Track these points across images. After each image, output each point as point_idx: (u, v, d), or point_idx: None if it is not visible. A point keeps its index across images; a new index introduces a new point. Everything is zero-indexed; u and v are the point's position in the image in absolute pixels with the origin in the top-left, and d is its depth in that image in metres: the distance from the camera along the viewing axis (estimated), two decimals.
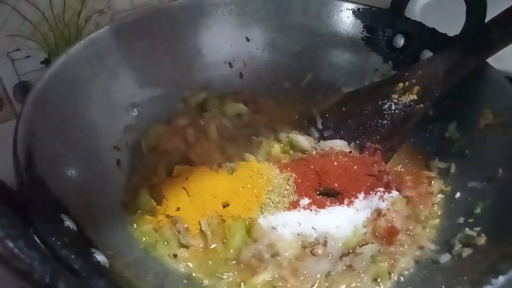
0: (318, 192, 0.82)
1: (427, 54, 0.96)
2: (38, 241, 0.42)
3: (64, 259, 0.44)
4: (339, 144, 0.90)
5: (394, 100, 0.89)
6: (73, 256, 0.45)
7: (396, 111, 0.89)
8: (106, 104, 0.83)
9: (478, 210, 0.75)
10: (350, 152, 0.88)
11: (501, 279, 0.53)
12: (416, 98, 0.88)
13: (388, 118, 0.89)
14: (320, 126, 0.95)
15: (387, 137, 0.89)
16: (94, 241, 0.60)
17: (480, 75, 0.86)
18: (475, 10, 0.86)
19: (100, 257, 0.53)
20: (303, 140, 0.90)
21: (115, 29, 0.84)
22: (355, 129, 0.92)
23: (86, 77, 0.79)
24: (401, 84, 0.89)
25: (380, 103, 0.91)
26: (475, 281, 0.58)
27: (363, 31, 1.04)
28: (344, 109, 0.95)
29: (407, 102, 0.88)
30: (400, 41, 1.00)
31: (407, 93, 0.89)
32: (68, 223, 0.55)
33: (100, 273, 0.49)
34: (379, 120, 0.90)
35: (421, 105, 0.87)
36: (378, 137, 0.89)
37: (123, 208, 0.76)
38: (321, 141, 0.92)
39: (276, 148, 0.89)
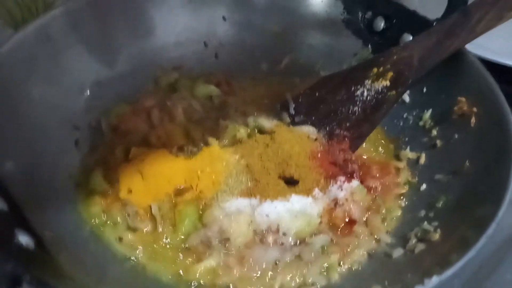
0: (278, 178, 0.79)
1: (407, 37, 0.92)
2: None
3: None
4: (307, 130, 0.87)
5: (367, 86, 0.86)
6: None
7: (368, 97, 0.85)
8: (66, 83, 0.81)
9: (439, 204, 0.72)
10: (316, 139, 0.84)
11: (435, 279, 0.50)
12: (388, 84, 0.84)
13: (360, 105, 0.86)
14: (292, 111, 0.92)
15: (357, 124, 0.86)
16: (30, 220, 0.59)
17: (457, 61, 0.82)
18: None
19: (24, 239, 0.52)
20: (269, 125, 0.87)
21: (71, 8, 0.81)
22: (326, 115, 0.89)
23: (43, 55, 0.77)
24: (375, 70, 0.86)
25: (353, 88, 0.87)
26: (415, 277, 0.55)
27: (343, 12, 1.00)
28: (317, 94, 0.92)
29: (379, 88, 0.84)
30: (380, 24, 0.96)
31: (380, 79, 0.85)
32: None
33: (14, 257, 0.48)
34: (350, 107, 0.87)
35: (393, 92, 0.83)
36: (348, 124, 0.86)
37: (76, 189, 0.75)
38: (290, 126, 0.89)
39: (242, 132, 0.86)
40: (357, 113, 0.86)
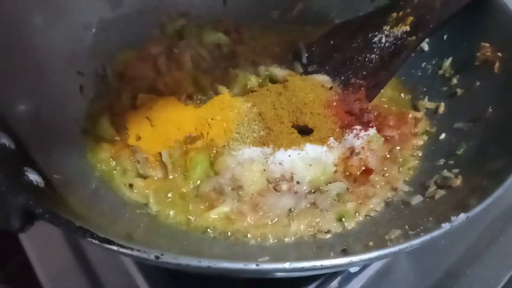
0: (292, 127, 0.76)
1: None
2: None
3: None
4: (321, 79, 0.84)
5: (386, 32, 0.81)
6: None
7: (387, 44, 0.81)
8: (70, 22, 0.77)
9: (460, 152, 0.70)
10: (331, 88, 0.81)
11: (462, 216, 0.48)
12: (408, 29, 0.79)
13: (377, 52, 0.82)
14: (304, 60, 0.89)
15: (374, 72, 0.82)
16: (38, 162, 0.57)
17: (481, 5, 0.77)
18: None
19: (33, 176, 0.50)
20: (281, 74, 0.83)
21: None
22: (341, 63, 0.85)
23: None
24: (394, 15, 0.81)
25: (370, 35, 0.83)
26: (438, 220, 0.53)
27: None
28: (332, 42, 0.88)
29: (399, 34, 0.80)
30: None
31: (400, 24, 0.80)
32: (4, 140, 0.52)
33: (25, 190, 0.46)
34: (367, 54, 0.83)
35: (414, 37, 0.79)
36: (364, 73, 0.82)
37: (83, 135, 0.73)
38: (303, 76, 0.85)
39: (253, 81, 0.83)
40: (374, 60, 0.82)
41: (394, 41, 0.81)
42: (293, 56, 0.90)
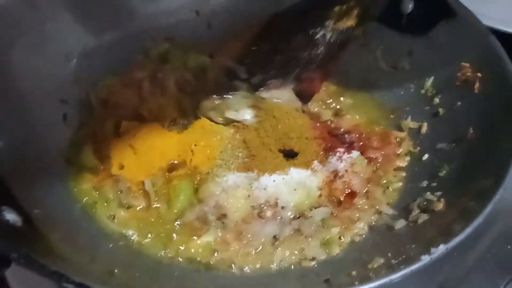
0: (276, 152, 0.76)
1: (408, 2, 0.86)
2: None
3: None
4: (280, 95, 0.81)
5: (329, 28, 0.76)
6: None
7: (331, 39, 0.76)
8: (52, 52, 0.76)
9: (442, 173, 0.70)
10: (304, 111, 0.80)
11: (441, 247, 0.48)
12: (354, 23, 0.75)
13: (322, 48, 0.77)
14: (244, 75, 0.82)
15: (324, 64, 0.79)
16: (18, 197, 0.57)
17: (461, 27, 0.78)
18: None
19: (10, 216, 0.50)
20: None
21: None
22: (285, 64, 0.80)
23: (28, 21, 0.73)
24: (337, 8, 0.75)
25: (311, 32, 0.77)
26: (420, 247, 0.53)
27: None
28: (267, 47, 0.82)
29: (344, 29, 0.76)
30: None
31: (344, 19, 0.75)
32: None
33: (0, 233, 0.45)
34: (312, 51, 0.78)
35: (360, 29, 0.77)
36: (313, 66, 0.79)
37: (66, 165, 0.72)
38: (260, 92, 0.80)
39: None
40: (320, 55, 0.78)
41: (339, 36, 0.77)
42: (228, 76, 0.84)
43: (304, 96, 0.83)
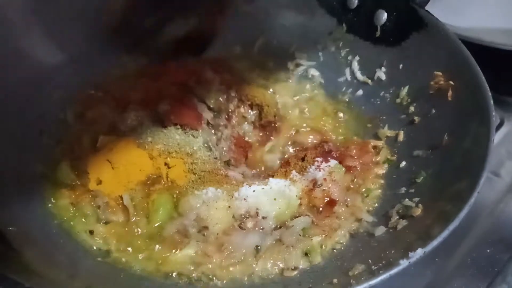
0: None
1: (381, 14, 0.89)
2: None
3: None
4: None
5: None
6: None
7: None
8: (24, 67, 0.75)
9: (420, 180, 0.71)
10: None
11: (419, 252, 0.49)
12: None
13: None
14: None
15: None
16: None
17: (433, 36, 0.80)
18: None
19: None
20: None
21: None
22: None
23: None
24: None
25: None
26: (399, 252, 0.54)
27: None
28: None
29: None
30: (354, 0, 0.93)
31: None
32: None
33: None
34: None
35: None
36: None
37: (42, 182, 0.71)
38: None
39: None
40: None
41: None
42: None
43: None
